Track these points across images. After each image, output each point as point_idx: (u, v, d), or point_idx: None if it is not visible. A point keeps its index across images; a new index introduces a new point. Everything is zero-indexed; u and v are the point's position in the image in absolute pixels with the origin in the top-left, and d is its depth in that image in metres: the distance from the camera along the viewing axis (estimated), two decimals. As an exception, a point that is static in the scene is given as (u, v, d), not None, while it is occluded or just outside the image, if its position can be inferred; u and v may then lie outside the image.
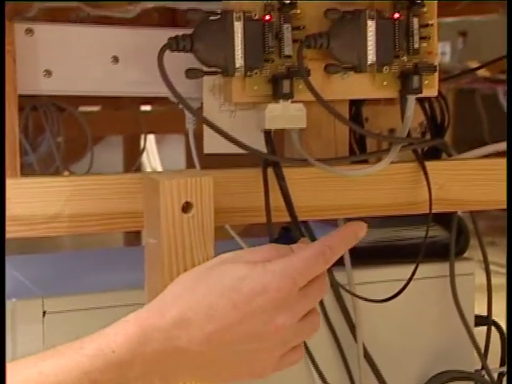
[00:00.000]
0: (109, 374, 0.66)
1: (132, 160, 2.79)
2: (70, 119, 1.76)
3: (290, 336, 0.71)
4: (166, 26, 1.78)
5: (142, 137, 2.38)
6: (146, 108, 2.47)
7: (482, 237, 1.03)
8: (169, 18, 1.83)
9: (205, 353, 0.69)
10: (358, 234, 0.76)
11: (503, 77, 3.19)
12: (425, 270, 0.99)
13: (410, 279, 0.94)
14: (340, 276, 0.97)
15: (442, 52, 3.76)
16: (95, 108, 2.40)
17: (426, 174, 0.89)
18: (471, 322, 1.03)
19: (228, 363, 0.70)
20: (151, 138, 4.08)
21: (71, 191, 0.79)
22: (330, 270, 0.97)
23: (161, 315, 0.69)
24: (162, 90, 0.82)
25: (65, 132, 1.76)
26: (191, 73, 0.82)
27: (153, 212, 0.78)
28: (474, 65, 3.67)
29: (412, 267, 0.94)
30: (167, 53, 0.81)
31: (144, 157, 4.25)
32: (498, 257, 3.24)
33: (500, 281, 2.75)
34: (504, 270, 2.72)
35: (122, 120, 2.23)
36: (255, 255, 0.72)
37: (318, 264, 0.72)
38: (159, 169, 4.83)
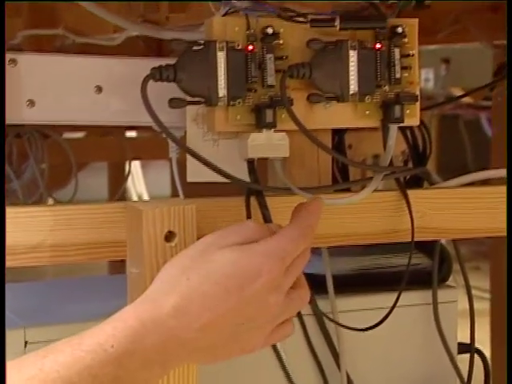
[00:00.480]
0: (109, 368, 0.67)
1: (117, 185, 2.78)
2: (54, 146, 1.75)
3: (279, 311, 0.73)
4: (151, 53, 1.79)
5: (127, 162, 2.38)
6: (132, 134, 2.47)
7: (467, 262, 1.03)
8: (154, 45, 1.84)
9: (201, 338, 0.70)
10: (321, 208, 0.78)
11: (486, 103, 3.21)
12: (408, 297, 0.99)
13: (393, 307, 0.94)
14: (323, 304, 0.97)
15: (425, 78, 3.79)
16: (80, 134, 2.40)
17: (408, 202, 0.90)
18: (454, 349, 1.03)
19: (223, 344, 0.72)
20: (136, 163, 4.09)
21: (54, 221, 0.79)
22: (312, 299, 0.97)
23: (158, 306, 0.70)
24: (146, 119, 0.82)
25: (49, 159, 1.75)
26: (174, 102, 0.83)
27: (136, 241, 0.78)
28: (457, 91, 3.70)
29: (395, 295, 0.95)
30: (151, 82, 0.81)
31: (129, 182, 4.25)
32: (482, 281, 3.26)
33: (483, 306, 2.77)
34: (487, 295, 2.73)
35: (106, 146, 2.23)
36: (239, 236, 0.74)
37: (304, 243, 0.75)
38: (144, 194, 4.84)
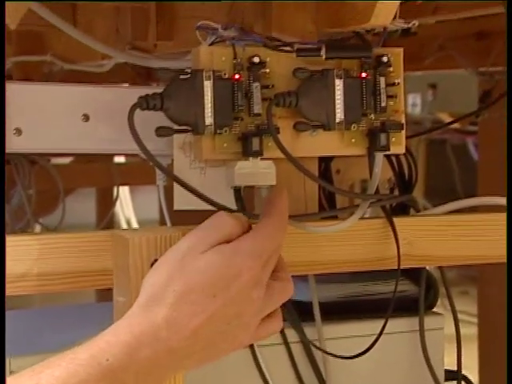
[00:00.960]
0: (104, 382, 0.69)
1: (105, 210, 2.78)
2: (42, 172, 1.75)
3: (262, 305, 0.75)
4: (140, 79, 1.80)
5: (115, 188, 2.38)
6: (120, 160, 2.48)
7: (455, 286, 1.03)
8: (143, 71, 1.85)
9: (192, 344, 0.72)
10: (286, 201, 0.80)
11: (473, 128, 3.23)
12: (394, 324, 0.99)
13: (380, 334, 0.94)
14: (310, 331, 0.97)
15: (412, 104, 3.81)
16: (67, 160, 2.40)
17: (394, 230, 0.90)
18: (441, 377, 1.03)
19: (213, 346, 0.74)
20: (125, 187, 4.09)
21: (40, 249, 0.79)
22: (299, 326, 0.98)
23: (149, 319, 0.71)
24: (133, 147, 0.82)
25: (36, 184, 1.75)
26: (161, 131, 0.83)
27: (122, 269, 0.78)
28: (444, 116, 3.72)
29: (382, 322, 0.95)
30: (139, 109, 0.82)
31: (118, 206, 4.25)
32: (470, 306, 3.27)
33: (471, 331, 2.77)
34: (476, 320, 2.73)
35: (94, 172, 2.23)
36: (218, 235, 0.75)
37: (278, 238, 0.77)
38: (133, 219, 4.83)
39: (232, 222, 0.76)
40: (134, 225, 4.75)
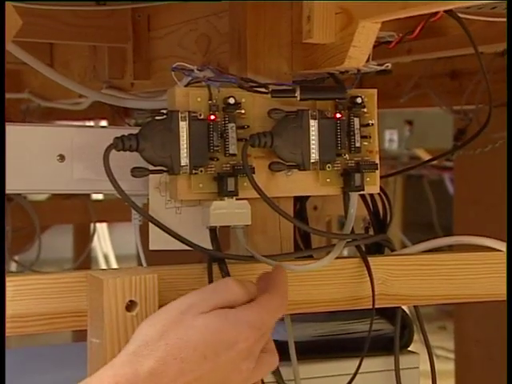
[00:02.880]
0: None
1: (82, 245, 2.77)
2: (18, 209, 1.75)
3: (249, 375, 0.75)
4: (118, 116, 1.81)
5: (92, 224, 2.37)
6: (98, 196, 2.47)
7: (433, 321, 1.03)
8: (121, 109, 1.85)
9: None
10: (286, 276, 0.81)
11: (449, 164, 3.26)
12: (370, 363, 0.99)
13: (355, 374, 0.94)
14: (286, 371, 0.97)
15: (389, 139, 3.84)
16: (43, 197, 2.39)
17: (368, 269, 0.91)
18: (417, 415, 1.03)
19: None
20: (103, 223, 4.07)
21: (13, 291, 0.79)
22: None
23: (135, 370, 0.70)
24: (109, 187, 0.82)
25: (12, 221, 1.75)
26: (137, 172, 0.83)
27: (96, 311, 0.78)
28: (420, 152, 3.75)
29: (357, 361, 0.95)
30: (115, 150, 0.82)
31: (95, 241, 4.23)
32: (447, 342, 3.27)
33: (449, 367, 2.77)
34: (452, 356, 2.73)
35: (71, 209, 2.23)
36: (220, 299, 0.74)
37: (280, 313, 0.78)
38: (111, 254, 4.81)
39: (238, 290, 0.75)
40: (112, 260, 4.73)
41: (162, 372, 0.71)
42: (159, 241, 0.88)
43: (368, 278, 0.91)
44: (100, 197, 2.50)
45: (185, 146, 0.84)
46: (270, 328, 0.76)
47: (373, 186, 0.92)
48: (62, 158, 0.89)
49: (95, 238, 3.44)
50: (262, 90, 0.87)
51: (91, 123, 2.57)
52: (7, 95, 1.72)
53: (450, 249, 1.07)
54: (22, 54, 1.12)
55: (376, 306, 0.90)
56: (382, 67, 0.90)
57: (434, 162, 3.29)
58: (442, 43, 1.27)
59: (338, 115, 0.89)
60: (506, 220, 1.00)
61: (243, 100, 0.87)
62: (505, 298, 0.93)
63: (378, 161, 0.91)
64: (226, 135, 0.86)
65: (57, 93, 1.64)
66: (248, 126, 0.87)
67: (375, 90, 0.92)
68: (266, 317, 0.75)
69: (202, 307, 0.74)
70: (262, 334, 0.75)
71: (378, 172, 0.91)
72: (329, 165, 0.89)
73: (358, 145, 0.90)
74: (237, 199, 0.86)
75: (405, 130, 3.84)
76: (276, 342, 0.99)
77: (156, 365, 0.71)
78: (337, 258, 0.91)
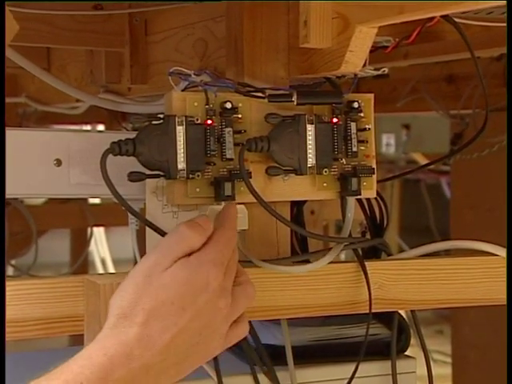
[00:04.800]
0: None
1: (79, 250, 2.77)
2: (15, 213, 1.75)
3: (229, 311, 0.77)
4: (115, 120, 1.81)
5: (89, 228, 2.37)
6: (95, 201, 2.47)
7: (430, 325, 1.03)
8: (118, 113, 1.85)
9: (165, 359, 0.73)
10: (234, 211, 0.83)
11: (446, 168, 3.26)
12: (367, 368, 0.99)
13: (352, 378, 0.94)
14: (282, 376, 0.97)
15: (386, 143, 3.85)
16: (40, 201, 2.39)
17: (365, 273, 0.91)
18: (414, 420, 1.03)
19: (186, 358, 0.75)
20: (100, 227, 4.07)
21: (10, 295, 0.79)
22: (272, 370, 0.97)
23: (122, 339, 0.72)
24: (106, 192, 0.82)
25: (9, 225, 1.74)
26: (133, 176, 0.83)
27: (93, 315, 0.78)
28: (417, 156, 3.75)
29: (354, 366, 0.95)
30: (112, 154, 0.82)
31: (92, 245, 4.23)
32: (444, 346, 3.27)
33: (446, 371, 2.77)
34: (449, 360, 2.72)
35: (68, 213, 2.23)
36: (182, 248, 0.76)
37: (233, 244, 0.79)
38: (108, 258, 4.80)
39: (192, 235, 0.77)
40: (109, 264, 4.72)
41: (147, 335, 0.72)
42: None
43: (365, 283, 0.91)
44: (97, 201, 2.50)
45: (182, 150, 0.84)
46: (232, 260, 0.78)
47: (369, 191, 0.92)
48: (58, 162, 0.89)
49: (92, 242, 3.43)
50: (259, 94, 0.87)
51: (88, 128, 2.57)
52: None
53: (446, 253, 1.07)
54: (18, 59, 1.12)
55: (373, 311, 0.90)
56: (379, 72, 0.90)
57: (431, 166, 3.29)
58: (439, 48, 1.27)
59: (335, 120, 0.89)
60: (506, 225, 1.00)
61: (240, 105, 0.87)
62: (502, 303, 0.93)
63: (374, 165, 0.91)
64: (223, 140, 0.86)
65: (54, 97, 1.64)
66: (245, 131, 0.87)
67: (372, 95, 0.92)
68: (224, 250, 0.77)
69: (163, 264, 0.75)
70: (227, 268, 0.77)
71: (374, 177, 0.91)
72: (326, 169, 0.89)
73: (354, 149, 0.90)
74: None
75: (402, 134, 3.85)
76: (273, 346, 1.00)
77: (140, 330, 0.72)
78: (334, 262, 0.91)
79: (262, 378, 0.98)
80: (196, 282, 0.75)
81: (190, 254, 0.76)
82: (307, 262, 0.93)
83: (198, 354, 0.76)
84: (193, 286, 0.75)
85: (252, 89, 0.88)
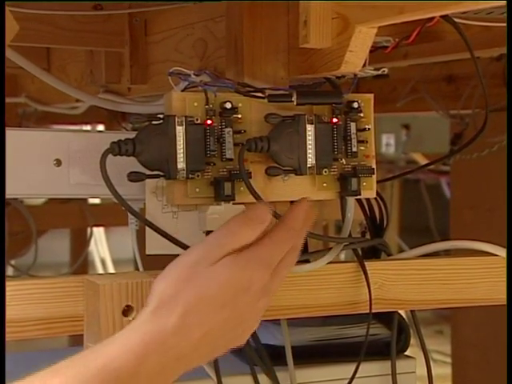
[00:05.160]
0: None
1: (79, 250, 2.77)
2: (14, 213, 1.75)
3: (265, 306, 0.78)
4: (115, 120, 1.81)
5: (89, 228, 2.37)
6: (95, 201, 2.47)
7: (430, 325, 1.03)
8: (118, 113, 1.86)
9: (198, 350, 0.74)
10: (305, 209, 0.81)
11: (446, 168, 3.26)
12: (367, 368, 0.99)
13: (352, 378, 0.94)
14: (282, 376, 0.97)
15: (386, 143, 3.85)
16: (40, 201, 2.39)
17: (365, 273, 0.91)
18: (414, 420, 1.03)
19: (218, 349, 0.77)
20: (100, 227, 4.07)
21: (10, 295, 0.79)
22: (272, 371, 0.97)
23: (159, 328, 0.72)
24: (105, 192, 0.82)
25: (9, 226, 1.74)
26: (133, 176, 0.83)
27: (93, 315, 0.78)
28: (417, 156, 3.75)
29: (354, 366, 0.95)
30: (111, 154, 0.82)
31: (92, 245, 4.23)
32: (444, 346, 3.27)
33: (446, 371, 2.77)
34: (449, 360, 2.72)
35: (68, 213, 2.23)
36: (232, 244, 0.76)
37: (288, 245, 0.79)
38: (108, 258, 4.81)
39: (243, 230, 0.77)
40: (109, 264, 4.72)
41: (184, 327, 0.73)
42: (156, 245, 0.88)
43: (365, 283, 0.91)
44: (97, 201, 2.50)
45: (181, 150, 0.84)
46: (284, 263, 0.78)
47: (369, 191, 0.92)
48: (58, 162, 0.89)
49: (92, 242, 3.43)
50: (259, 94, 0.87)
51: (88, 128, 2.57)
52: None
53: (446, 253, 1.07)
54: (18, 59, 1.12)
55: (373, 311, 0.91)
56: (379, 72, 0.90)
57: (431, 167, 3.30)
58: (439, 48, 1.27)
59: (335, 120, 0.89)
60: (506, 225, 1.00)
61: (240, 105, 0.87)
62: (502, 303, 0.93)
63: (374, 165, 0.91)
64: (223, 140, 0.86)
65: (53, 97, 1.64)
66: (245, 131, 0.87)
67: (372, 95, 0.92)
68: (276, 251, 0.77)
69: (211, 258, 0.75)
70: (275, 269, 0.77)
71: (374, 177, 0.91)
72: (325, 169, 0.89)
73: (354, 149, 0.90)
74: (233, 204, 0.86)
75: (401, 134, 3.85)
76: (273, 346, 1.00)
77: (178, 321, 0.73)
78: (333, 262, 0.91)
79: (261, 378, 0.98)
80: (239, 282, 0.75)
81: (240, 249, 0.76)
82: (307, 262, 0.93)
83: (230, 344, 0.77)
84: (236, 285, 0.75)
85: (252, 89, 0.88)
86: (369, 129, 0.91)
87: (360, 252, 0.95)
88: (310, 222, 0.81)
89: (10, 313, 0.79)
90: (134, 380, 0.71)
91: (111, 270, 4.62)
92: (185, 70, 0.89)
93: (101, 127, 2.47)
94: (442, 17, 0.93)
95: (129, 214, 0.90)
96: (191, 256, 0.76)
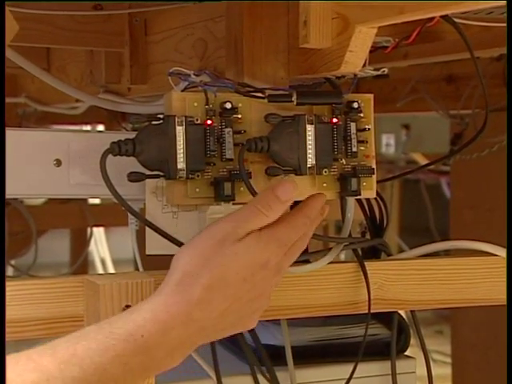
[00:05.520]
0: (138, 357, 0.72)
1: (79, 250, 2.77)
2: (14, 213, 1.75)
3: (278, 280, 0.81)
4: (115, 120, 1.81)
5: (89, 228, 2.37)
6: (95, 201, 2.47)
7: (430, 325, 1.03)
8: (118, 113, 1.86)
9: (220, 323, 0.77)
10: (320, 202, 0.84)
11: (446, 168, 3.26)
12: (366, 368, 0.99)
13: (350, 378, 0.94)
14: (282, 376, 0.97)
15: (386, 144, 3.84)
16: (40, 201, 2.39)
17: (365, 273, 0.91)
18: (414, 420, 1.03)
19: (236, 323, 0.79)
20: (100, 227, 4.06)
21: (11, 296, 0.79)
22: (272, 371, 0.97)
23: (185, 299, 0.74)
24: (105, 192, 0.82)
25: (9, 226, 1.74)
26: (133, 176, 0.83)
27: (93, 315, 0.78)
28: (417, 156, 3.75)
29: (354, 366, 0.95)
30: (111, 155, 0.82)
31: (92, 245, 4.23)
32: (444, 346, 3.26)
33: (446, 371, 2.76)
34: (449, 360, 2.72)
35: (67, 213, 2.23)
36: (255, 223, 0.78)
37: (303, 230, 0.82)
38: (108, 258, 4.80)
39: (267, 213, 0.79)
40: (109, 265, 4.72)
41: (209, 299, 0.75)
42: (156, 245, 0.88)
43: (364, 283, 0.91)
44: (97, 201, 2.50)
45: (181, 150, 0.84)
46: (296, 244, 0.81)
47: (369, 191, 0.92)
48: (58, 162, 0.89)
49: (92, 242, 3.43)
50: (259, 94, 0.87)
51: (88, 128, 2.57)
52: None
53: (446, 253, 1.07)
54: (18, 59, 1.12)
55: (372, 311, 0.91)
56: (379, 72, 0.90)
57: (431, 167, 3.29)
58: (439, 48, 1.27)
59: (335, 120, 0.89)
60: (506, 225, 1.00)
61: (240, 105, 0.87)
62: (502, 303, 0.93)
63: (374, 165, 0.91)
64: (223, 140, 0.86)
65: (53, 97, 1.64)
66: (245, 131, 0.87)
67: (372, 95, 0.92)
68: (291, 233, 0.80)
69: (238, 234, 0.78)
70: (289, 249, 0.80)
71: (374, 177, 0.91)
72: (325, 169, 0.89)
73: (354, 149, 0.90)
74: (233, 204, 0.86)
75: (401, 134, 3.85)
76: (273, 346, 1.00)
77: (203, 292, 0.75)
78: (333, 262, 0.91)
79: (261, 378, 0.98)
80: (260, 258, 0.78)
81: (261, 229, 0.78)
82: (307, 262, 0.93)
83: (244, 323, 0.79)
84: (257, 260, 0.77)
85: (252, 89, 0.88)
86: (369, 129, 0.91)
87: (360, 252, 0.95)
88: (323, 214, 0.84)
89: (9, 313, 0.79)
90: (158, 348, 0.73)
91: (111, 270, 4.61)
92: (185, 70, 0.89)
93: (101, 127, 2.47)
94: (442, 17, 0.93)
95: (129, 214, 0.90)
96: (219, 230, 0.78)
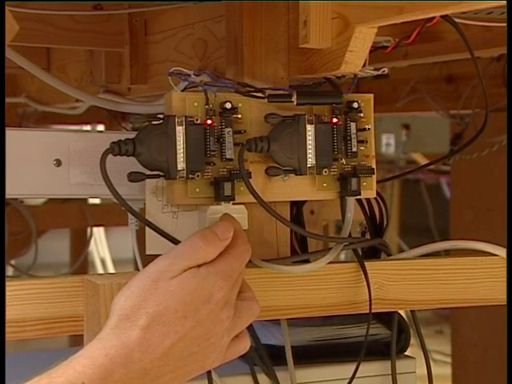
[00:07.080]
0: None
1: (79, 250, 2.77)
2: (14, 213, 1.75)
3: (231, 325, 0.78)
4: (115, 120, 1.81)
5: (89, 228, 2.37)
6: (95, 201, 2.47)
7: (430, 325, 1.03)
8: (118, 113, 1.86)
9: (164, 365, 0.74)
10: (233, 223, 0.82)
11: (446, 168, 3.26)
12: (367, 368, 0.99)
13: (352, 378, 0.94)
14: (282, 376, 0.97)
15: (386, 143, 3.85)
16: (40, 201, 2.39)
17: (365, 273, 0.91)
18: (414, 420, 1.03)
19: (184, 366, 0.76)
20: (100, 227, 4.07)
21: (11, 296, 0.79)
22: (272, 371, 0.97)
23: (123, 341, 0.73)
24: (106, 192, 0.82)
25: (9, 226, 1.74)
26: (133, 176, 0.83)
27: (93, 315, 0.78)
28: (417, 156, 3.76)
29: (354, 366, 0.95)
30: (111, 154, 0.82)
31: (92, 245, 4.23)
32: (444, 345, 3.27)
33: (445, 371, 2.77)
34: (449, 360, 2.72)
35: (67, 213, 2.23)
36: (191, 260, 0.76)
37: (246, 259, 0.80)
38: (108, 258, 4.81)
39: (206, 246, 0.77)
40: (109, 264, 4.73)
41: (148, 339, 0.73)
42: (156, 245, 0.88)
43: (365, 283, 0.91)
44: (97, 201, 2.50)
45: (181, 150, 0.84)
46: (240, 274, 0.79)
47: (369, 191, 0.92)
48: (58, 162, 0.89)
49: (92, 242, 3.44)
50: (259, 94, 0.87)
51: (88, 128, 2.57)
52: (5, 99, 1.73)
53: (446, 253, 1.07)
54: (18, 59, 1.12)
55: (372, 311, 0.90)
56: (379, 72, 0.90)
57: (431, 166, 3.30)
58: (439, 48, 1.27)
59: (335, 120, 0.89)
60: (506, 225, 1.00)
61: (240, 105, 0.87)
62: (502, 303, 0.93)
63: (374, 165, 0.91)
64: (223, 140, 0.86)
65: (53, 97, 1.64)
66: (245, 131, 0.87)
67: (372, 95, 0.92)
68: (234, 264, 0.78)
69: (173, 271, 0.76)
70: (234, 282, 0.78)
71: (374, 177, 0.91)
72: (325, 169, 0.89)
73: (354, 149, 0.90)
74: (233, 204, 0.86)
75: (401, 134, 3.85)
76: (273, 346, 1.00)
77: (141, 333, 0.73)
78: (333, 262, 0.91)
79: (261, 378, 0.98)
80: (201, 293, 0.75)
81: (200, 265, 0.76)
82: (307, 261, 0.93)
83: (196, 363, 0.76)
84: (197, 296, 0.75)
85: (252, 89, 0.88)
86: (369, 129, 0.91)
87: (360, 252, 0.95)
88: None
89: (9, 313, 0.79)
90: None
91: (111, 270, 4.62)
92: (185, 70, 0.89)
93: (101, 127, 2.48)
94: (442, 17, 0.93)
95: (129, 214, 0.90)
96: (153, 269, 0.76)
